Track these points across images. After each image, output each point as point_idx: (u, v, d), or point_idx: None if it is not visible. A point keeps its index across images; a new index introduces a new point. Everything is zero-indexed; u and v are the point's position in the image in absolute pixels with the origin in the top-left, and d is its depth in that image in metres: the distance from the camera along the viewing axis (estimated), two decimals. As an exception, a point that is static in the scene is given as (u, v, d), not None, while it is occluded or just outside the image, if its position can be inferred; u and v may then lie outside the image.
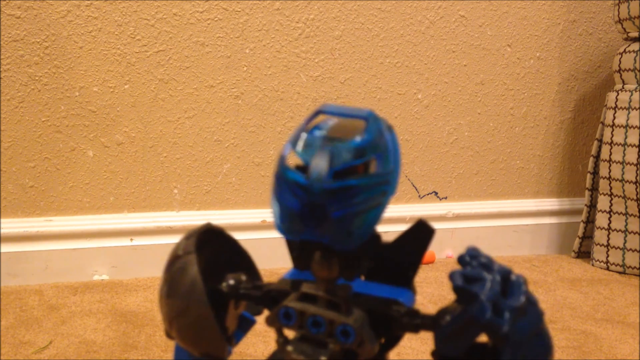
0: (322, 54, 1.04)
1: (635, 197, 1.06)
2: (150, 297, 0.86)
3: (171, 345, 0.70)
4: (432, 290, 0.94)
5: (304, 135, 0.30)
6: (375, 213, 0.30)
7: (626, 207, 1.09)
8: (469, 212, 1.17)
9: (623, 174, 1.07)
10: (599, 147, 1.14)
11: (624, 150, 1.07)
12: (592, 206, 1.17)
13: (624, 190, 1.08)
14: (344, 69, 1.06)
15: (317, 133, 0.30)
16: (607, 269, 1.12)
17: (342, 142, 0.29)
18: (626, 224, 1.09)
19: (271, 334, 0.72)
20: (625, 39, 1.12)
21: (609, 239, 1.11)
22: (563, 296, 0.95)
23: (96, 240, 0.95)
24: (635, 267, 1.08)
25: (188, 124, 0.99)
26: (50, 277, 0.93)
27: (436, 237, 0.36)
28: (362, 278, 0.38)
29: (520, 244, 1.22)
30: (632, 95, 1.06)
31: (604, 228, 1.12)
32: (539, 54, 1.19)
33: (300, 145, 0.30)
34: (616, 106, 1.09)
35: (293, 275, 0.37)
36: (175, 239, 0.38)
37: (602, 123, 1.13)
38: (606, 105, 1.12)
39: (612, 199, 1.11)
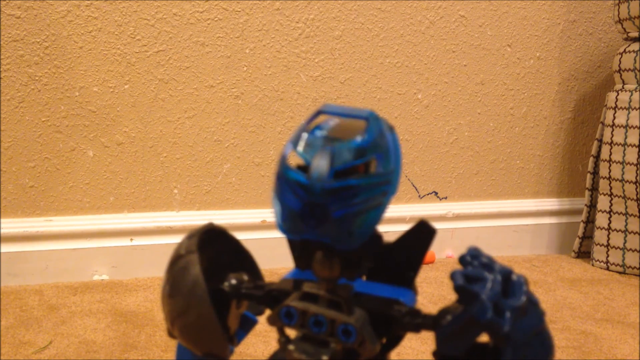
0: (322, 54, 1.04)
1: (635, 197, 1.06)
2: (150, 297, 0.87)
3: (171, 345, 0.70)
4: (432, 290, 0.94)
5: (305, 135, 0.30)
6: (376, 213, 0.30)
7: (626, 207, 1.09)
8: (469, 212, 1.17)
9: (623, 174, 1.07)
10: (599, 147, 1.14)
11: (624, 150, 1.07)
12: (592, 206, 1.17)
13: (624, 190, 1.08)
14: (344, 69, 1.06)
15: (318, 133, 0.30)
16: (607, 269, 1.12)
17: (343, 142, 0.30)
18: (626, 224, 1.09)
19: (271, 334, 0.72)
20: (625, 39, 1.12)
21: (609, 239, 1.11)
22: (563, 296, 0.95)
23: (96, 240, 0.95)
24: (635, 267, 1.08)
25: (188, 124, 0.99)
26: (50, 277, 0.93)
27: (436, 237, 0.36)
28: (363, 278, 0.38)
29: (520, 244, 1.22)
30: (632, 95, 1.06)
31: (604, 228, 1.12)
32: (539, 54, 1.19)
33: (301, 145, 0.30)
34: (616, 106, 1.09)
35: (295, 275, 0.37)
36: (175, 239, 0.38)
37: (602, 123, 1.13)
38: (606, 105, 1.12)
39: (612, 199, 1.11)
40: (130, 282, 0.93)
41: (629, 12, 1.06)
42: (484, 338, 0.31)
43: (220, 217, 1.02)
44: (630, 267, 1.09)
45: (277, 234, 0.31)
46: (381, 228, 0.32)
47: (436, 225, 0.36)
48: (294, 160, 0.30)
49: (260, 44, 1.01)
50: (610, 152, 1.09)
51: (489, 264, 0.31)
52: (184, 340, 0.36)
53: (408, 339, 0.70)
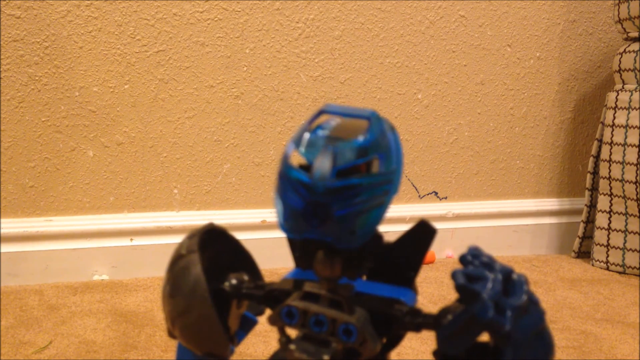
0: (322, 54, 1.05)
1: (635, 197, 1.06)
2: (151, 297, 0.86)
3: (171, 345, 0.70)
4: (432, 290, 0.94)
5: (307, 135, 0.31)
6: (377, 212, 0.30)
7: (626, 207, 1.09)
8: (469, 212, 1.18)
9: (623, 174, 1.07)
10: (599, 147, 1.14)
11: (624, 150, 1.07)
12: (592, 206, 1.17)
13: (624, 190, 1.08)
14: (344, 69, 1.06)
15: (320, 132, 0.31)
16: (607, 269, 1.12)
17: (345, 142, 0.30)
18: (626, 224, 1.09)
19: (271, 334, 0.72)
20: (625, 39, 1.12)
21: (609, 239, 1.11)
22: (563, 296, 0.95)
23: (96, 240, 0.95)
24: (635, 267, 1.08)
25: (188, 124, 0.99)
26: (50, 277, 0.93)
27: (436, 237, 0.36)
28: (364, 278, 0.38)
29: (520, 244, 1.22)
30: (632, 95, 1.06)
31: (604, 228, 1.12)
32: (539, 54, 1.19)
33: (303, 145, 0.30)
34: (616, 106, 1.09)
35: (295, 274, 0.37)
36: (175, 239, 0.38)
37: (602, 123, 1.13)
38: (606, 105, 1.12)
39: (612, 199, 1.11)
40: (130, 282, 0.93)
41: (629, 12, 1.06)
42: (484, 337, 0.31)
43: (220, 217, 1.02)
44: (630, 267, 1.09)
45: (277, 234, 0.31)
46: (381, 228, 0.32)
47: (436, 225, 0.36)
48: (297, 160, 0.30)
49: (260, 44, 1.01)
50: (610, 152, 1.09)
51: (489, 263, 0.31)
52: (185, 340, 0.36)
53: (408, 338, 0.70)
